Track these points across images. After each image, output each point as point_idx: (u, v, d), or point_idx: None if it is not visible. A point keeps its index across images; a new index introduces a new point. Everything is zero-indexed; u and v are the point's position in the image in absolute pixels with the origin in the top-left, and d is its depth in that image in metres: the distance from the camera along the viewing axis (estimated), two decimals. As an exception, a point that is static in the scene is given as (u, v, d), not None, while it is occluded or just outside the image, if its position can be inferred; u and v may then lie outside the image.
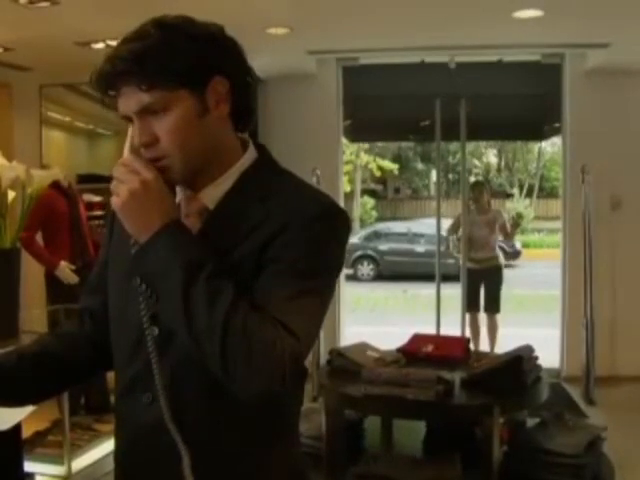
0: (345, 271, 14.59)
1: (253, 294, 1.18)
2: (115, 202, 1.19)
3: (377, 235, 16.59)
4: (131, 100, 1.21)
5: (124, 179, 1.19)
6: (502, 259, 7.17)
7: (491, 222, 6.96)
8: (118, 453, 1.40)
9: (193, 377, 1.24)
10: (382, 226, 18.00)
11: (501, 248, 7.41)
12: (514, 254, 15.61)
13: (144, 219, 1.18)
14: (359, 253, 15.55)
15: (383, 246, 15.85)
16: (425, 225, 16.03)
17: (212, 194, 1.29)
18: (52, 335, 1.52)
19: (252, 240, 1.22)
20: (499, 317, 7.03)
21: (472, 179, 21.89)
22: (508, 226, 7.09)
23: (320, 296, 1.23)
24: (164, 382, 1.23)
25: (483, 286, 6.98)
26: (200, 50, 1.23)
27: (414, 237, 15.98)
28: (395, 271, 15.05)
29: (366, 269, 15.66)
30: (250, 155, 1.33)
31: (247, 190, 1.29)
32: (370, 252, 15.76)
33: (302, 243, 1.21)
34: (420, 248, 15.29)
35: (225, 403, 1.24)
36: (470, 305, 6.92)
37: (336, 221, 1.28)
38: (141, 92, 1.19)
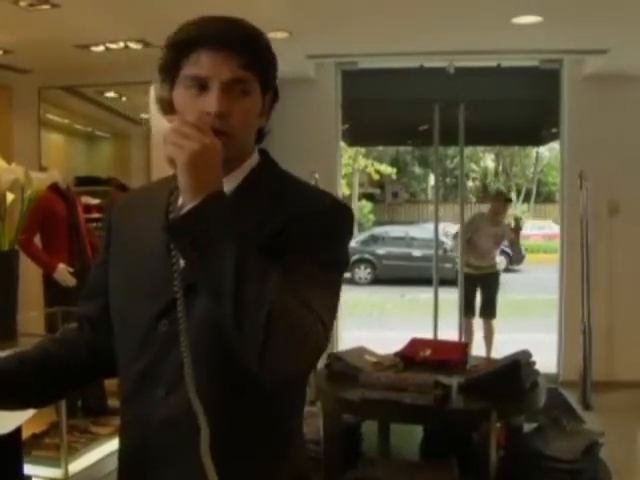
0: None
1: None
2: (181, 154, 1.15)
3: (374, 239, 16.59)
4: (225, 68, 1.23)
5: (192, 136, 1.16)
6: (499, 265, 7.18)
7: (499, 236, 6.98)
8: (124, 454, 1.38)
9: (210, 360, 1.24)
10: (380, 230, 17.99)
11: (505, 253, 7.40)
12: (519, 259, 15.60)
13: (206, 178, 1.15)
14: (357, 257, 15.55)
15: (381, 250, 15.85)
16: (424, 229, 16.04)
17: None
18: (53, 340, 1.52)
19: (262, 234, 1.22)
20: (494, 322, 7.04)
21: (470, 184, 21.93)
22: (512, 234, 7.09)
23: (336, 287, 1.26)
24: (191, 355, 1.19)
25: (479, 291, 6.98)
26: (276, 69, 1.35)
27: (411, 241, 15.98)
28: (392, 275, 15.05)
29: (363, 273, 15.66)
30: (254, 158, 1.37)
31: (253, 189, 1.31)
32: (367, 256, 15.76)
33: (310, 237, 1.23)
34: (417, 252, 15.30)
35: (237, 390, 1.24)
36: (465, 310, 6.93)
37: (342, 215, 1.31)
38: (238, 67, 1.24)
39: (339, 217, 1.30)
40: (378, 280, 15.37)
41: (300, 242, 1.22)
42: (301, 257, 1.20)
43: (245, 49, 1.24)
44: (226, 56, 1.23)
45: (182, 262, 1.20)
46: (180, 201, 1.21)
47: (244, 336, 1.11)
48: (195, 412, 1.17)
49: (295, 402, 1.36)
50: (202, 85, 1.24)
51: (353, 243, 15.54)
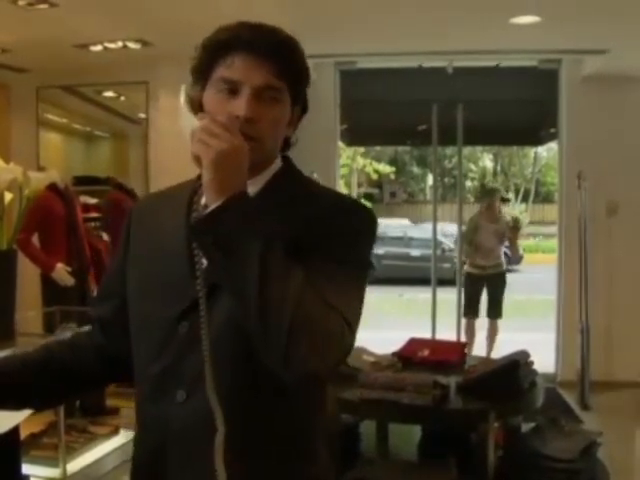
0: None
1: None
2: (208, 152, 1.15)
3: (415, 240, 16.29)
4: (259, 74, 1.23)
5: (221, 135, 1.16)
6: (505, 265, 7.17)
7: (500, 232, 6.96)
8: (140, 457, 1.37)
9: (230, 358, 1.23)
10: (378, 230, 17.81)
11: (504, 254, 7.39)
12: (516, 259, 15.56)
13: (231, 178, 1.15)
14: None
15: (379, 250, 15.76)
16: (422, 229, 15.98)
17: None
18: (59, 343, 1.51)
19: (284, 237, 1.21)
20: (499, 322, 7.04)
21: (468, 183, 21.93)
22: (510, 234, 7.08)
23: (361, 287, 1.27)
24: (211, 355, 1.20)
25: (486, 291, 6.98)
26: (308, 81, 1.35)
27: (410, 241, 15.90)
28: (391, 275, 14.99)
29: None
30: (277, 164, 1.37)
31: (276, 192, 1.32)
32: None
33: (338, 236, 1.24)
34: (416, 252, 15.24)
35: (261, 386, 1.23)
36: (468, 310, 6.92)
37: (365, 218, 1.32)
38: (271, 74, 1.24)
39: (359, 217, 1.31)
40: (377, 280, 15.32)
41: (321, 243, 1.22)
42: (323, 258, 1.20)
43: (280, 57, 1.25)
44: (260, 62, 1.23)
45: (204, 262, 1.20)
46: (203, 200, 1.21)
47: (268, 336, 1.11)
48: (213, 411, 1.17)
49: (316, 402, 1.35)
50: (233, 89, 1.24)
51: None
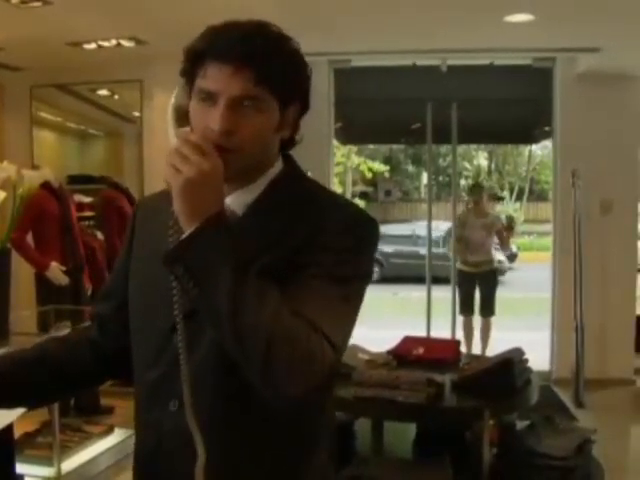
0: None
1: (288, 295, 1.15)
2: (177, 178, 1.12)
3: (381, 237, 16.20)
4: (235, 84, 1.18)
5: (192, 158, 1.12)
6: (497, 262, 7.17)
7: (488, 226, 6.97)
8: (139, 457, 1.37)
9: (217, 380, 1.23)
10: (386, 228, 17.59)
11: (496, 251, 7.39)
12: (511, 257, 15.53)
13: (201, 204, 1.12)
14: None
15: (388, 248, 15.52)
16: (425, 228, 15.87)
17: (241, 200, 1.28)
18: (55, 340, 1.50)
19: (283, 245, 1.22)
20: (492, 320, 7.05)
21: (463, 182, 21.94)
22: (504, 232, 7.09)
23: (354, 303, 1.23)
24: (190, 381, 1.20)
25: (478, 289, 6.99)
26: (304, 80, 1.30)
27: (418, 239, 15.77)
28: (400, 273, 14.84)
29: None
30: (278, 165, 1.33)
31: (277, 197, 1.28)
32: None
33: (335, 249, 1.21)
34: (424, 250, 15.16)
35: (245, 410, 1.23)
36: (464, 308, 6.94)
37: (367, 229, 1.29)
38: (250, 83, 1.18)
39: (363, 231, 1.28)
40: (385, 279, 15.14)
41: (321, 257, 1.20)
42: (318, 273, 1.18)
43: (257, 64, 1.18)
44: (235, 71, 1.18)
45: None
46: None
47: (244, 361, 1.11)
48: (194, 438, 1.18)
49: (312, 414, 1.32)
50: (212, 99, 1.20)
51: None
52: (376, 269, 15.32)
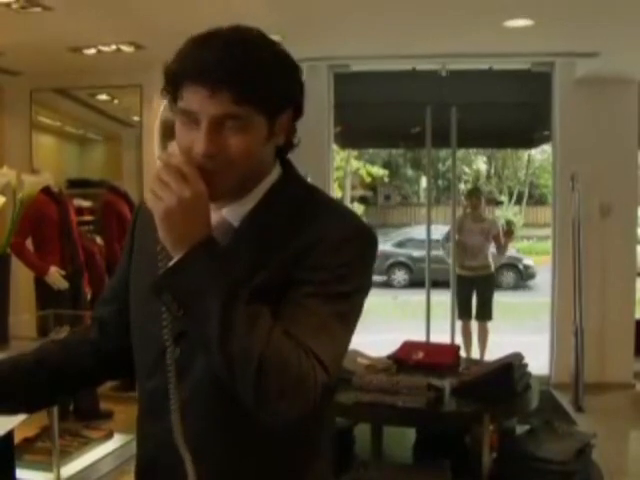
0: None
1: (282, 314, 1.14)
2: (158, 207, 1.10)
3: (410, 241, 15.80)
4: (215, 104, 1.13)
5: (173, 184, 1.10)
6: (494, 266, 7.16)
7: (486, 231, 6.96)
8: (139, 468, 1.38)
9: (209, 402, 1.23)
10: (414, 232, 16.83)
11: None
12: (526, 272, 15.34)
13: (185, 231, 1.10)
14: (392, 260, 15.09)
15: (416, 252, 14.87)
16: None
17: (237, 211, 1.26)
18: (54, 342, 1.50)
19: (279, 259, 1.20)
20: (490, 324, 7.05)
21: (462, 186, 21.94)
22: (502, 238, 7.08)
23: (349, 319, 1.21)
24: (179, 403, 1.20)
25: (475, 293, 6.99)
26: (293, 85, 1.24)
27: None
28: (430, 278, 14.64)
29: (399, 276, 15.13)
30: (276, 171, 1.30)
31: (273, 208, 1.25)
32: (403, 259, 15.24)
33: (332, 266, 1.18)
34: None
35: (240, 431, 1.23)
36: (462, 313, 6.93)
37: (365, 243, 1.25)
38: (230, 103, 1.13)
39: (362, 245, 1.24)
40: (414, 283, 14.94)
41: (317, 275, 1.18)
42: (315, 292, 1.16)
43: (236, 84, 1.13)
44: (212, 94, 1.13)
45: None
46: None
47: (237, 386, 1.10)
48: (183, 458, 1.19)
49: (311, 426, 1.30)
50: (195, 119, 1.16)
51: (388, 246, 15.24)
52: (405, 275, 15.27)
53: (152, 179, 1.13)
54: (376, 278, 15.35)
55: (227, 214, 1.26)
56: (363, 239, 1.25)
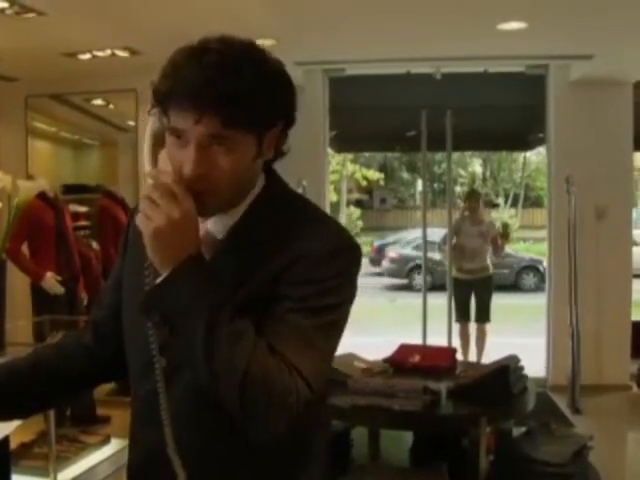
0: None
1: (266, 329, 1.15)
2: (147, 226, 1.11)
3: (430, 244, 15.78)
4: (202, 126, 1.13)
5: (162, 203, 1.10)
6: (492, 268, 7.17)
7: (484, 233, 6.96)
8: (130, 472, 1.38)
9: (198, 410, 1.23)
10: (435, 234, 16.98)
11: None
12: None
13: (173, 250, 1.12)
14: (413, 263, 15.01)
15: (437, 255, 15.13)
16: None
17: (221, 223, 1.26)
18: (49, 346, 1.51)
19: (263, 272, 1.20)
20: (488, 326, 7.05)
21: (458, 189, 21.98)
22: (499, 240, 7.08)
23: (334, 331, 1.22)
24: (170, 411, 1.21)
25: (474, 296, 6.99)
26: (285, 102, 1.22)
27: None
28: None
29: (420, 279, 15.14)
30: (260, 182, 1.29)
31: (257, 220, 1.25)
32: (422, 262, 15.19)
33: (316, 280, 1.18)
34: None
35: (230, 437, 1.23)
36: (460, 315, 6.93)
37: (348, 256, 1.25)
38: (218, 125, 1.12)
39: (346, 257, 1.24)
40: (435, 286, 14.79)
41: (300, 290, 1.18)
42: (298, 307, 1.17)
43: (223, 108, 1.11)
44: (200, 118, 1.12)
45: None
46: None
47: (222, 399, 1.12)
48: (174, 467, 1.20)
49: (304, 432, 1.30)
50: (184, 137, 1.15)
51: (409, 249, 15.35)
52: (428, 278, 15.16)
53: (141, 197, 1.13)
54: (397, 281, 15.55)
55: (211, 227, 1.26)
56: (347, 252, 1.25)
